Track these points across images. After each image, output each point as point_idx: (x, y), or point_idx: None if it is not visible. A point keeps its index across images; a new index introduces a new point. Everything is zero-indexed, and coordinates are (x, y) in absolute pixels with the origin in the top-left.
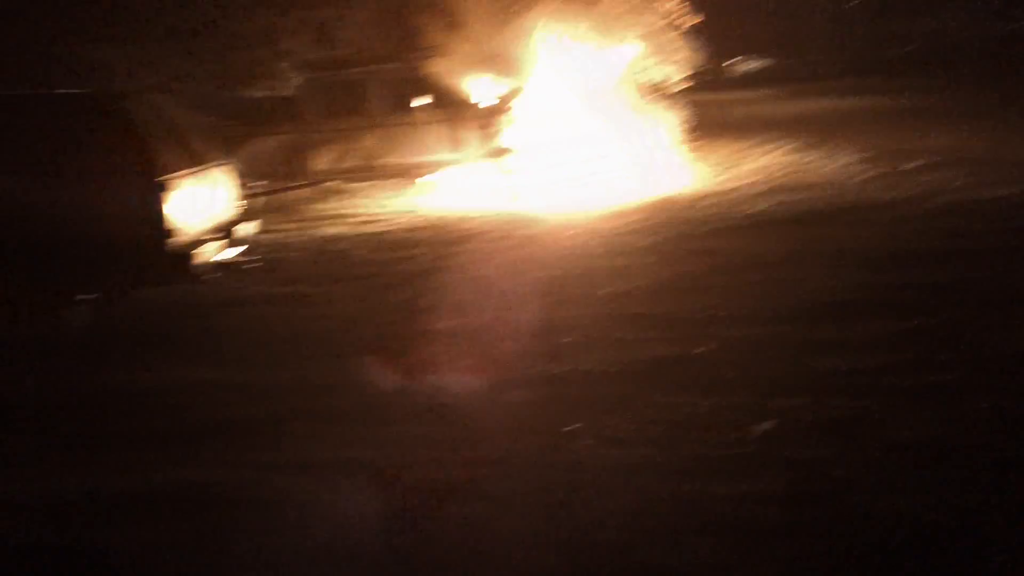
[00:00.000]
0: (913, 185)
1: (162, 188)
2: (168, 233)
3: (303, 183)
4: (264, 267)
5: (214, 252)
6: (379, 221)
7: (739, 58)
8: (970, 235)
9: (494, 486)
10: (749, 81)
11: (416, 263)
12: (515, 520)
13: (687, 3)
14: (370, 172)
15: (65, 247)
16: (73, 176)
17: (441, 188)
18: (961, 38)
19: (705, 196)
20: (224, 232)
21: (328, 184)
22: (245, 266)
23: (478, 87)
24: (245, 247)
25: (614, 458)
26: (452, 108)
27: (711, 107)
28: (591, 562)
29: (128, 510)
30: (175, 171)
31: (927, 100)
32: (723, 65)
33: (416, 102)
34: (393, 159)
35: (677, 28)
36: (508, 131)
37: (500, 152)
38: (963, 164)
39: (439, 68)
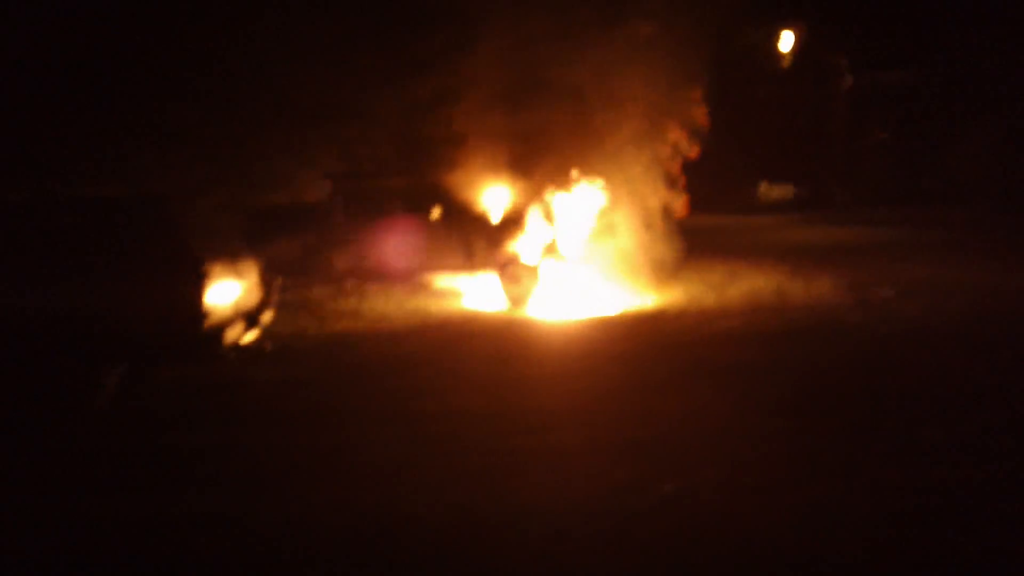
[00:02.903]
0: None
1: (202, 276)
2: (204, 315)
3: (324, 281)
4: (276, 353)
5: (238, 335)
6: (389, 319)
7: (772, 184)
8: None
9: None
10: (775, 207)
11: (415, 356)
12: None
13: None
14: (388, 274)
15: (109, 327)
16: (124, 269)
17: (454, 291)
18: (995, 169)
19: (687, 312)
20: (247, 319)
21: (348, 283)
22: (260, 350)
23: (490, 201)
24: (262, 334)
25: None
26: (465, 220)
27: (727, 231)
28: None
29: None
30: (211, 262)
31: (928, 233)
32: (759, 190)
33: (432, 213)
34: (409, 263)
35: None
36: (516, 243)
37: (508, 262)
38: (927, 294)
39: (455, 182)
